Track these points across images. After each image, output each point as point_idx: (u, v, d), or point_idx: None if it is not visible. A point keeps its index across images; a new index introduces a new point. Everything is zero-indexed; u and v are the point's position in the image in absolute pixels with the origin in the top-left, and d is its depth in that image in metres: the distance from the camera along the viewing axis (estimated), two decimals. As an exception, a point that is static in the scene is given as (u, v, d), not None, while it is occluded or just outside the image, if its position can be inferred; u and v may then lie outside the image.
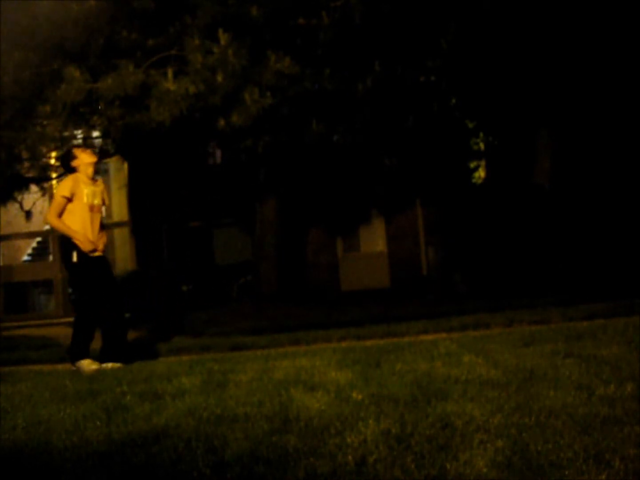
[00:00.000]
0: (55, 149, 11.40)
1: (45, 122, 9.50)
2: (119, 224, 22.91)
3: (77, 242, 5.72)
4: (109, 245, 26.32)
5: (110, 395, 4.03)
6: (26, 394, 4.38)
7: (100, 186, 6.04)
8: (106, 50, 8.73)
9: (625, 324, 5.38)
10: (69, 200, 5.76)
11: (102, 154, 11.61)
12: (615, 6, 11.16)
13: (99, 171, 15.49)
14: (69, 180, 5.88)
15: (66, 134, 10.43)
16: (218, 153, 20.12)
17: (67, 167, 6.04)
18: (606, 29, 11.48)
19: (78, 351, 5.72)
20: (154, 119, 8.47)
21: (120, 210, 22.54)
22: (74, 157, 5.95)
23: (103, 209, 6.04)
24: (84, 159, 5.92)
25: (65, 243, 5.81)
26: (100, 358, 5.73)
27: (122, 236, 23.03)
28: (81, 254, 5.72)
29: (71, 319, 6.99)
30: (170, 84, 8.21)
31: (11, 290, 23.08)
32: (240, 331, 9.71)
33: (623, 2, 11.06)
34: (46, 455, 2.83)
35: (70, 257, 5.77)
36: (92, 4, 8.30)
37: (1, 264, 23.75)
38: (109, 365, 5.64)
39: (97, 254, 5.84)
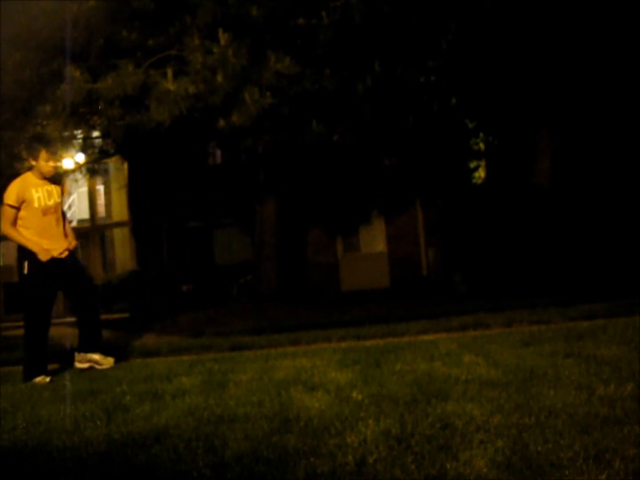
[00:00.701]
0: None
1: (45, 122, 9.50)
2: (119, 224, 22.95)
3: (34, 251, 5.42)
4: (110, 245, 26.37)
5: (110, 395, 4.03)
6: (26, 394, 4.39)
7: (57, 185, 5.61)
8: (106, 50, 8.72)
9: (625, 324, 5.38)
10: (17, 209, 5.37)
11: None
12: (615, 6, 11.17)
13: (99, 171, 15.51)
14: (14, 186, 5.43)
15: (66, 133, 10.43)
16: (218, 153, 20.13)
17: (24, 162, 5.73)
18: (606, 29, 11.48)
19: (33, 369, 5.44)
20: (154, 119, 8.46)
21: (120, 210, 22.57)
22: (33, 157, 5.52)
23: (65, 205, 5.71)
24: (43, 167, 5.47)
25: (20, 252, 5.49)
26: (80, 349, 5.77)
27: (122, 236, 23.05)
28: (34, 265, 5.42)
29: (71, 319, 6.99)
30: (170, 84, 8.20)
31: (11, 290, 23.08)
32: (240, 331, 9.71)
33: (623, 2, 11.06)
34: (46, 455, 2.83)
35: (22, 267, 5.49)
36: (92, 4, 8.29)
37: (1, 264, 23.76)
38: (94, 356, 5.68)
39: (60, 255, 5.52)
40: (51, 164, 5.49)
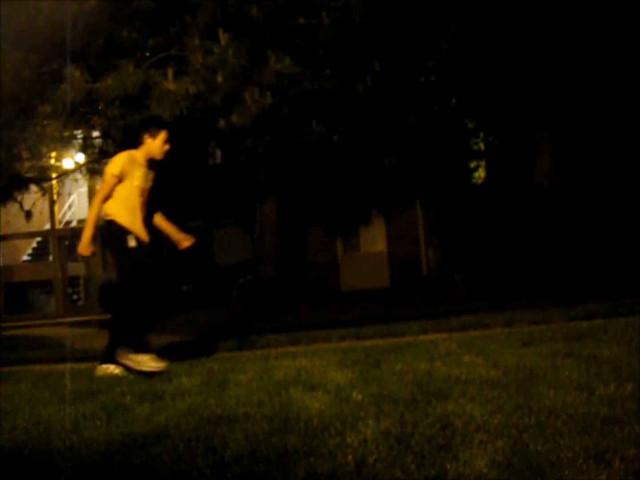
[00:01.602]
0: (55, 149, 11.42)
1: (45, 122, 9.50)
2: (119, 224, 22.92)
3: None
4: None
5: (110, 395, 4.03)
6: (26, 394, 4.38)
7: (152, 172, 5.36)
8: (106, 50, 8.72)
9: (625, 324, 5.38)
10: (119, 180, 5.08)
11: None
12: (615, 6, 11.17)
13: (99, 171, 15.52)
14: (121, 158, 5.17)
15: (66, 134, 10.43)
16: (218, 153, 20.12)
17: (136, 137, 5.37)
18: (606, 29, 11.48)
19: (135, 344, 5.01)
20: (154, 119, 8.46)
21: (120, 210, 22.54)
22: (151, 134, 5.26)
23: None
24: (156, 147, 5.25)
25: (117, 227, 5.11)
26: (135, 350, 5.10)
27: (122, 236, 23.02)
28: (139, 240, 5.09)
29: (71, 319, 6.97)
30: (170, 84, 8.21)
31: (11, 290, 23.10)
32: (240, 331, 9.70)
33: (623, 2, 11.06)
34: (46, 455, 2.83)
35: (126, 241, 5.07)
36: (92, 4, 8.29)
37: (1, 264, 23.77)
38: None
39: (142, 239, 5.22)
40: (166, 147, 5.31)
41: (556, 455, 2.34)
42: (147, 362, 4.93)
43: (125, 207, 5.14)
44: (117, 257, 5.26)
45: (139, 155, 5.26)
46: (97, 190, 5.19)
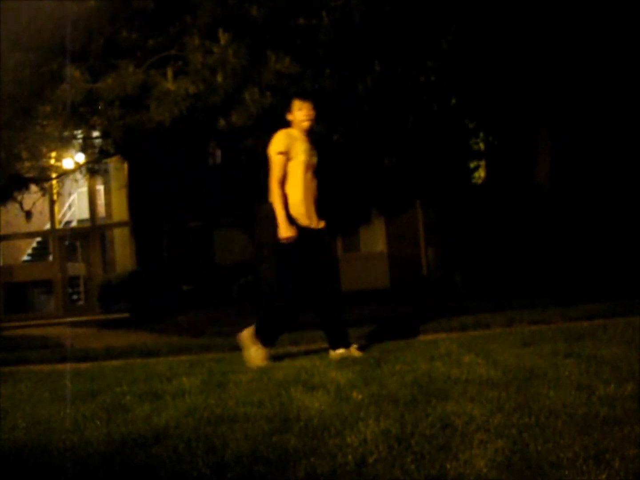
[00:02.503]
0: (55, 149, 11.42)
1: (45, 122, 9.50)
2: (119, 224, 22.95)
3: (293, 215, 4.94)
4: (110, 245, 26.39)
5: (110, 395, 4.03)
6: (26, 394, 4.39)
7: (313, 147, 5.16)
8: (106, 50, 8.72)
9: (625, 324, 5.38)
10: (287, 158, 4.98)
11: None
12: (615, 6, 11.17)
13: (99, 171, 15.52)
14: (281, 136, 5.10)
15: (66, 133, 10.44)
16: (218, 153, 20.13)
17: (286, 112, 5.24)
18: (606, 29, 11.48)
19: (268, 337, 5.06)
20: (154, 119, 8.47)
21: (120, 210, 22.56)
22: (289, 109, 5.18)
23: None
24: (298, 117, 5.13)
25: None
26: (332, 345, 5.10)
27: (122, 236, 23.05)
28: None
29: (71, 319, 6.96)
30: (170, 84, 8.21)
31: (11, 290, 23.10)
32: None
33: (623, 2, 11.06)
34: (46, 455, 2.83)
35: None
36: (92, 4, 8.29)
37: (1, 264, 23.78)
38: (339, 352, 4.97)
39: (317, 225, 5.13)
40: (304, 112, 5.14)
41: (556, 455, 2.34)
42: (257, 361, 4.97)
43: (297, 190, 5.04)
44: (274, 244, 5.03)
45: (293, 130, 5.19)
46: (271, 175, 5.04)
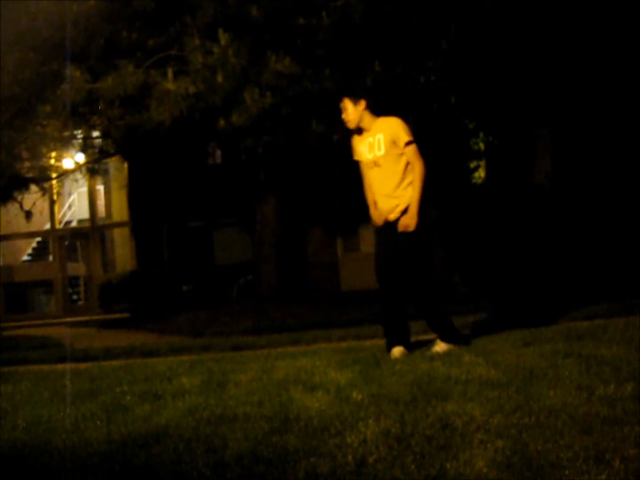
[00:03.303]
0: (55, 149, 11.43)
1: (45, 122, 9.51)
2: (119, 224, 22.97)
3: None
4: (110, 245, 26.37)
5: (110, 395, 4.03)
6: (26, 394, 4.39)
7: (377, 132, 5.01)
8: (106, 51, 8.73)
9: (625, 324, 5.37)
10: (360, 162, 5.07)
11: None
12: (615, 6, 11.17)
13: (99, 171, 15.53)
14: (352, 142, 5.15)
15: (66, 133, 10.45)
16: (218, 153, 20.15)
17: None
18: (606, 29, 11.48)
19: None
20: (154, 119, 8.47)
21: (120, 210, 22.58)
22: (342, 108, 5.05)
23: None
24: (344, 118, 5.07)
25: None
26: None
27: (122, 236, 23.07)
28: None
29: (71, 319, 6.98)
30: (170, 84, 8.21)
31: (11, 290, 23.10)
32: (240, 331, 9.71)
33: (623, 2, 11.06)
34: (46, 455, 2.83)
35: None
36: (92, 4, 8.29)
37: (1, 264, 23.78)
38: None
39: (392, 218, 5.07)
40: (343, 114, 5.08)
41: (556, 455, 2.34)
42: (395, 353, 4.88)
43: (368, 192, 5.22)
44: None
45: (355, 135, 5.20)
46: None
